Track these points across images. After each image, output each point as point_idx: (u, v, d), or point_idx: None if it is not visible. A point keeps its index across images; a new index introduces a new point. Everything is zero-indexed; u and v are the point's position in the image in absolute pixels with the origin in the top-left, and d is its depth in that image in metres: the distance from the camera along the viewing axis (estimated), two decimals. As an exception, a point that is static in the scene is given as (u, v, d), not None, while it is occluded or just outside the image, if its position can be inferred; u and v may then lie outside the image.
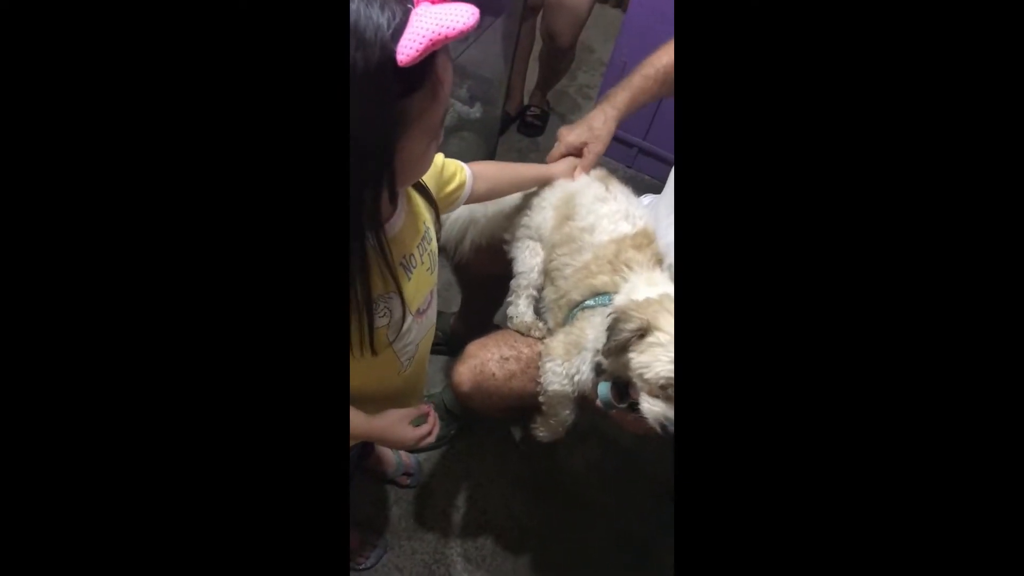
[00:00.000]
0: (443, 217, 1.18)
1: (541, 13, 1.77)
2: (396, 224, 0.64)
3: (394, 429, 0.77)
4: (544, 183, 0.99)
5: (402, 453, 1.26)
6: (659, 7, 1.63)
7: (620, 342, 0.74)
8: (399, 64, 0.44)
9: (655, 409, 0.74)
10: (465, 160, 1.17)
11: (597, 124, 1.00)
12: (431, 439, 0.82)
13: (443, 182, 0.80)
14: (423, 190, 0.72)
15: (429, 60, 0.47)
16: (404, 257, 0.66)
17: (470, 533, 1.22)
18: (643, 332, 0.73)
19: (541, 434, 0.96)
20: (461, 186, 0.83)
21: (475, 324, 1.30)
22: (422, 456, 1.29)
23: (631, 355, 0.74)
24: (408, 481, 1.24)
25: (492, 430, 1.35)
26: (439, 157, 0.79)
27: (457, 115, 1.39)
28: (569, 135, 1.01)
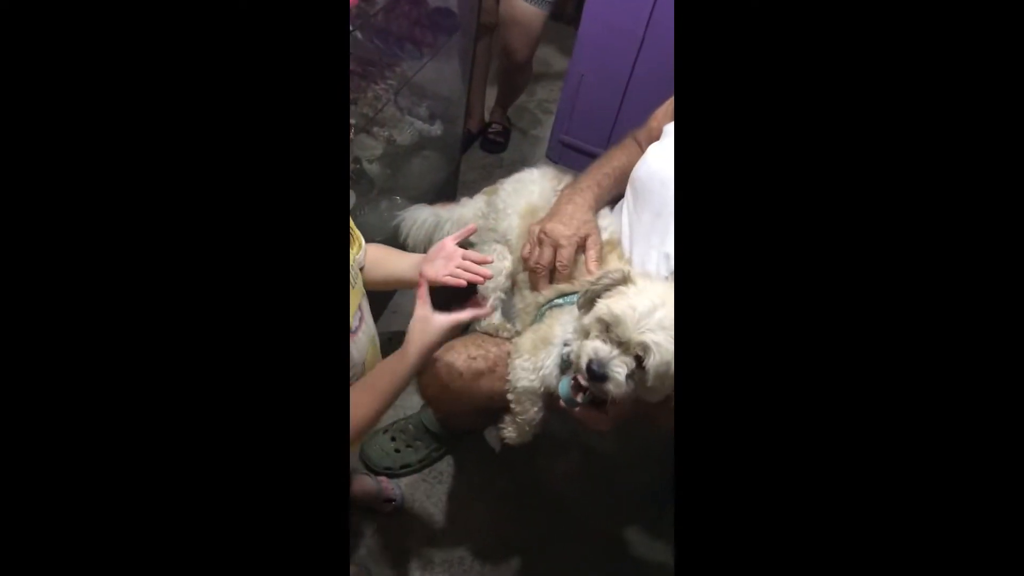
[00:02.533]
0: (407, 222, 1.20)
1: (495, 31, 1.79)
2: None
3: (425, 338, 0.76)
4: (412, 283, 0.87)
5: (382, 479, 1.24)
6: (610, 20, 1.66)
7: (596, 290, 0.79)
8: None
9: (588, 344, 0.76)
10: (429, 178, 1.17)
11: (583, 216, 0.94)
12: (466, 315, 0.83)
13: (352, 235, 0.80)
14: None
15: None
16: None
17: (456, 555, 1.19)
18: (620, 284, 0.78)
19: (509, 434, 0.95)
20: (358, 251, 0.83)
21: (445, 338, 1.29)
22: (403, 481, 1.27)
23: (598, 302, 0.77)
24: (389, 508, 1.21)
25: (472, 448, 1.33)
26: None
27: (418, 133, 1.39)
28: (561, 229, 0.92)
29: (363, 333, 0.75)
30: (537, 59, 1.88)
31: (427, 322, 0.76)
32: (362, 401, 0.72)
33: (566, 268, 0.91)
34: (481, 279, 0.82)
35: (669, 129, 0.96)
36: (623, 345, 0.73)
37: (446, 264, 0.82)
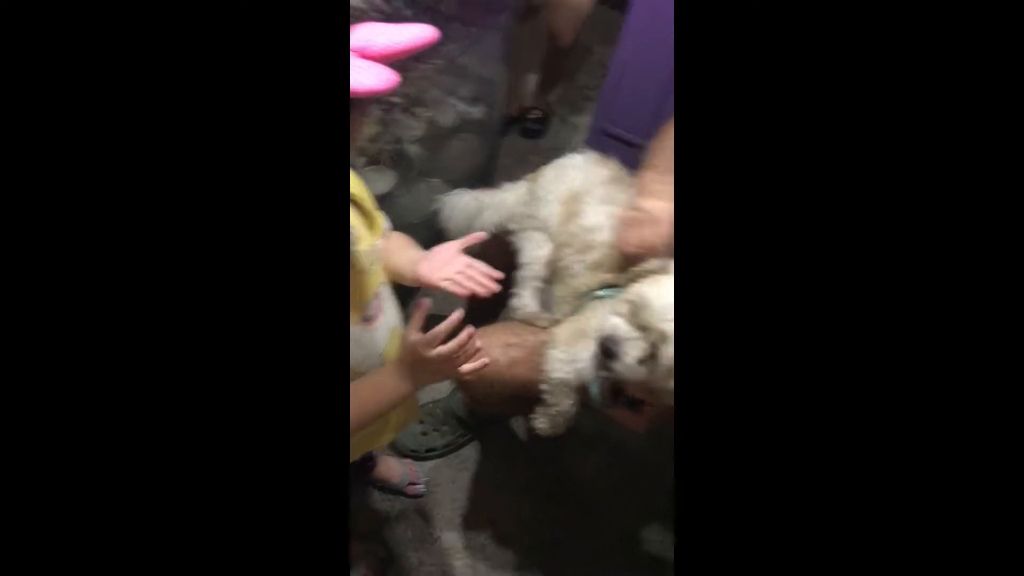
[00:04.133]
0: (447, 207, 1.15)
1: (540, 13, 1.75)
2: None
3: (422, 362, 0.62)
4: (410, 280, 0.79)
5: (407, 461, 1.24)
6: (660, 10, 1.61)
7: (635, 275, 0.78)
8: None
9: (610, 320, 0.74)
10: (467, 161, 1.13)
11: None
12: (463, 357, 0.65)
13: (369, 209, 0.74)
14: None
15: None
16: None
17: (478, 543, 1.19)
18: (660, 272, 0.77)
19: (541, 425, 0.94)
20: (378, 233, 0.76)
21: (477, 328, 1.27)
22: (428, 465, 1.26)
23: (633, 286, 0.76)
24: (415, 491, 1.21)
25: (498, 436, 1.32)
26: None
27: (459, 115, 1.37)
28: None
29: (381, 323, 0.70)
30: (578, 45, 1.83)
31: (419, 350, 0.63)
32: (353, 404, 0.61)
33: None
34: (484, 290, 0.70)
35: None
36: (646, 331, 0.72)
37: (443, 267, 0.72)
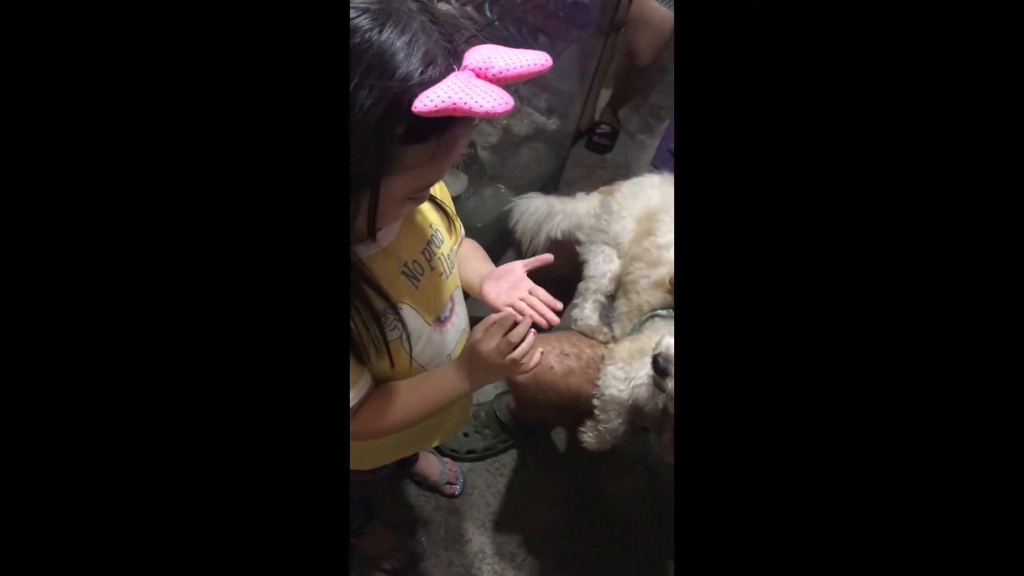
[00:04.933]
0: (518, 210, 1.16)
1: (622, 30, 1.75)
2: (387, 236, 0.61)
3: (486, 364, 0.63)
4: (474, 293, 0.80)
5: (447, 461, 1.25)
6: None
7: None
8: (413, 108, 0.43)
9: (666, 339, 0.74)
10: (535, 170, 1.11)
11: None
12: (527, 358, 0.66)
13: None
14: (433, 201, 0.69)
15: (444, 122, 0.46)
16: (407, 265, 0.63)
17: (508, 550, 1.19)
18: None
19: (588, 439, 0.94)
20: (455, 239, 0.78)
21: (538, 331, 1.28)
22: (466, 466, 1.28)
23: None
24: (452, 490, 1.23)
25: (538, 447, 1.32)
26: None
27: (534, 125, 1.38)
28: None
29: (453, 324, 0.72)
30: (657, 64, 1.82)
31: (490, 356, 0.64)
32: (410, 400, 0.65)
33: None
34: (545, 323, 0.69)
35: None
36: None
37: (509, 292, 0.73)
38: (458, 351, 0.74)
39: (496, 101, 0.43)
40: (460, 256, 0.78)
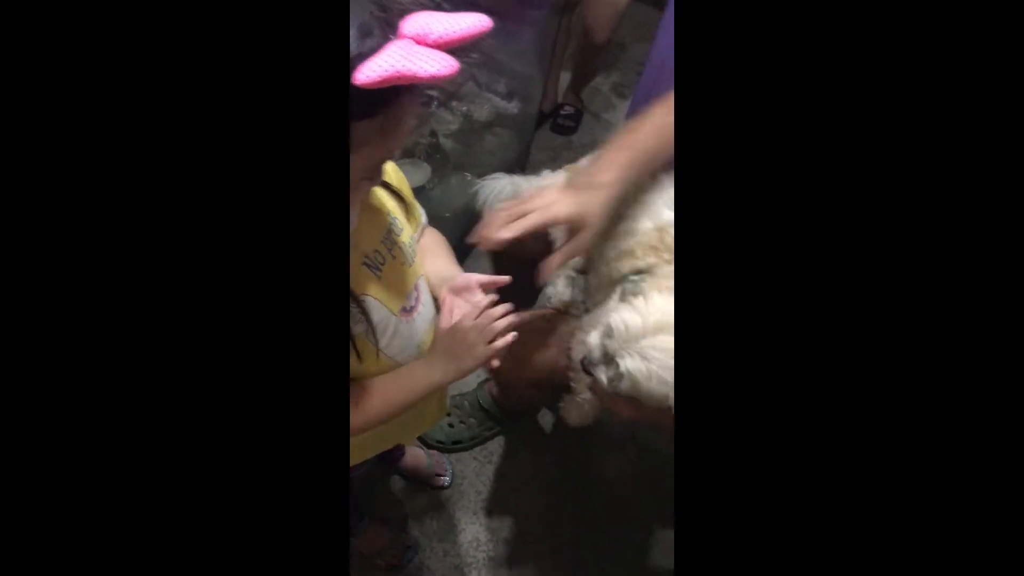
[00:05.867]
0: (484, 191, 1.14)
1: (576, 9, 1.74)
2: None
3: (454, 347, 0.64)
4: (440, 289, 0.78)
5: (434, 454, 1.25)
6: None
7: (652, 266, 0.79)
8: (354, 81, 0.42)
9: (591, 339, 0.75)
10: (499, 157, 1.10)
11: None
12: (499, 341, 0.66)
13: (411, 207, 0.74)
14: (390, 188, 0.68)
15: (390, 94, 0.45)
16: (367, 256, 0.62)
17: (502, 536, 1.19)
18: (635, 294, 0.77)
19: (569, 415, 0.94)
20: (414, 229, 0.76)
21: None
22: (455, 457, 1.27)
23: (618, 304, 0.76)
24: (441, 482, 1.22)
25: (525, 432, 1.32)
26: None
27: (495, 110, 1.37)
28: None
29: (419, 313, 0.71)
30: (614, 41, 1.82)
31: (466, 341, 0.65)
32: (384, 396, 0.65)
33: None
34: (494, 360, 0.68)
35: None
36: (611, 359, 0.72)
37: (462, 309, 0.72)
38: (427, 340, 0.73)
39: (440, 64, 0.42)
40: (421, 248, 0.76)
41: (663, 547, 1.22)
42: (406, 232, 0.69)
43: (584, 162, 1.04)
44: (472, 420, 1.28)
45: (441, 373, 0.66)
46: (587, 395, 0.90)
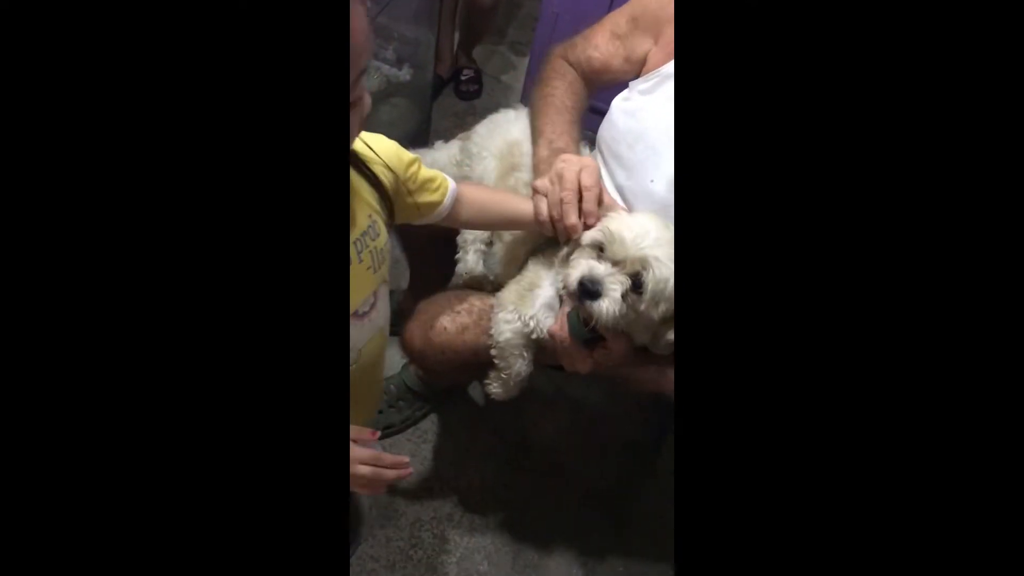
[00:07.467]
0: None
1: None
2: None
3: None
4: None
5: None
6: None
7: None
8: None
9: (582, 262, 0.74)
10: (399, 128, 1.06)
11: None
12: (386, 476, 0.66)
13: (419, 187, 0.73)
14: (375, 182, 0.66)
15: None
16: None
17: (444, 512, 1.19)
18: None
19: (494, 389, 0.93)
20: (439, 202, 0.76)
21: (425, 296, 1.25)
22: (388, 442, 1.24)
23: (587, 232, 0.76)
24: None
25: (456, 406, 1.31)
26: (424, 169, 0.73)
27: (385, 79, 1.30)
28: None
29: (370, 320, 0.70)
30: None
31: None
32: None
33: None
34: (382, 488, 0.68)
35: (634, 84, 0.91)
36: (618, 264, 0.72)
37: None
38: (368, 349, 0.72)
39: None
40: (481, 203, 0.79)
41: (602, 498, 1.26)
42: (382, 238, 0.67)
43: (481, 128, 1.00)
44: (402, 403, 1.26)
45: None
46: (514, 369, 0.89)
